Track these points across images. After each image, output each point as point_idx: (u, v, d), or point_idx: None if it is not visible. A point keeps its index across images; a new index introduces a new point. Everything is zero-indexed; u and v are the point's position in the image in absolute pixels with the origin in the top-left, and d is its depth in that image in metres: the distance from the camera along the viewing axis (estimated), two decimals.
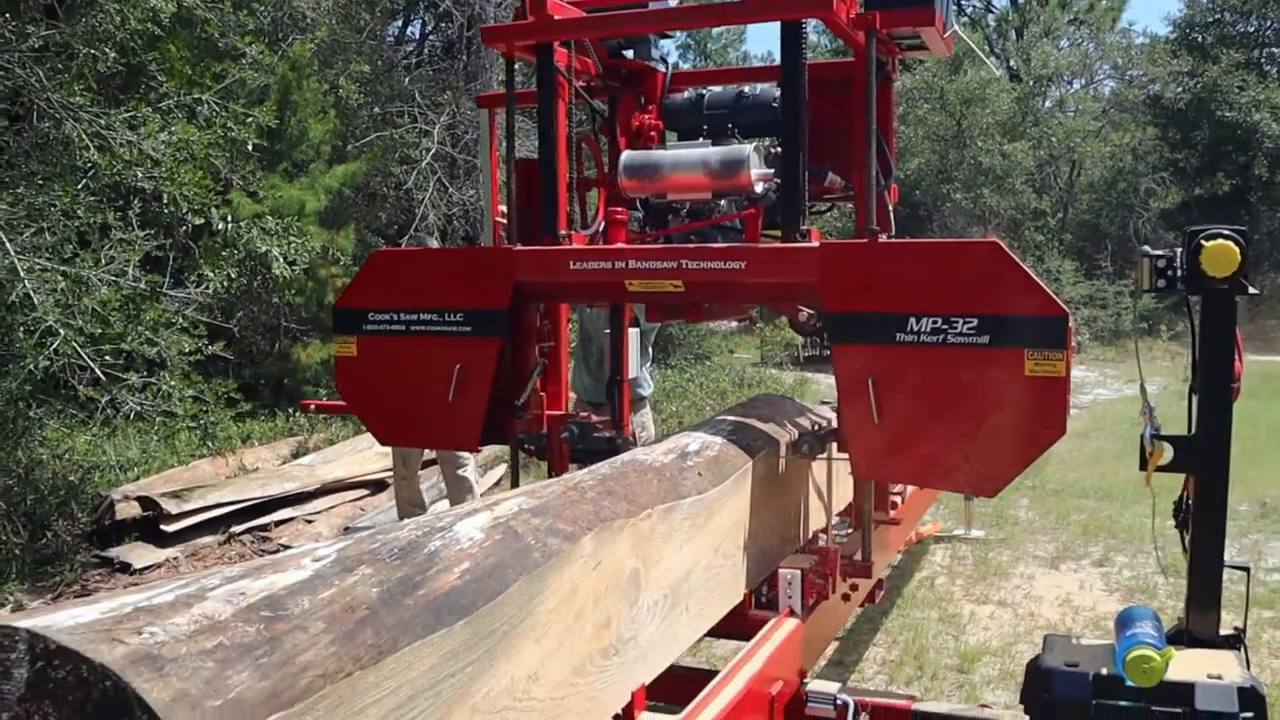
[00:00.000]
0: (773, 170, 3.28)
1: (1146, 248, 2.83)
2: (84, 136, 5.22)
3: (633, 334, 4.07)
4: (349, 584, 1.62)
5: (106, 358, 5.29)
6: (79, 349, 4.97)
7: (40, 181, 5.38)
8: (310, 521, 7.73)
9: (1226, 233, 2.62)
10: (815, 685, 2.85)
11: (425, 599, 1.70)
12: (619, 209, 3.49)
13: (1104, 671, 2.55)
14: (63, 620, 1.32)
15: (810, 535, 3.60)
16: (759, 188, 3.23)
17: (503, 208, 4.09)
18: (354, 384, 3.69)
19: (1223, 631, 2.83)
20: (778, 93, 3.48)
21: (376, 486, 8.55)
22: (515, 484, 3.78)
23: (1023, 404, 2.74)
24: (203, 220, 7.00)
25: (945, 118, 24.56)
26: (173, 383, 5.72)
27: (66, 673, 1.26)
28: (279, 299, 9.63)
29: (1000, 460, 2.83)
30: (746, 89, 3.70)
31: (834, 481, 3.71)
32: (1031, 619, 5.65)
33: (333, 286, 10.12)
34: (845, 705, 2.78)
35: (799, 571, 3.11)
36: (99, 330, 5.22)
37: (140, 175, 5.48)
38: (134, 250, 5.64)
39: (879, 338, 2.90)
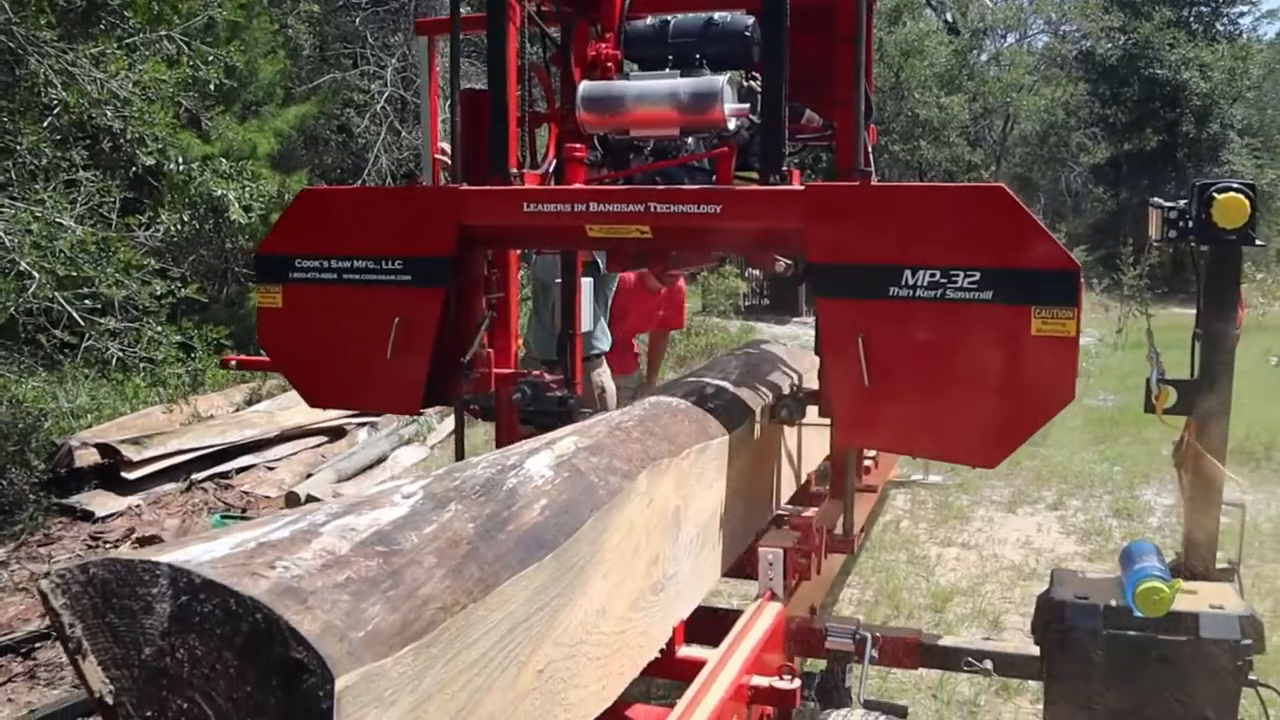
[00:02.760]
0: (748, 105, 2.97)
1: (1157, 199, 2.84)
2: (50, 73, 5.05)
3: (585, 284, 3.81)
4: (446, 519, 1.64)
5: (86, 301, 5.16)
6: (57, 294, 4.83)
7: (4, 119, 5.20)
8: (272, 468, 7.65)
9: (1236, 186, 2.69)
10: (834, 621, 2.93)
11: (515, 534, 1.73)
12: (577, 145, 3.11)
13: (1113, 603, 2.65)
14: (199, 555, 1.32)
15: (779, 505, 3.43)
16: (732, 124, 2.92)
17: (444, 145, 3.86)
18: (279, 339, 3.31)
19: (1219, 566, 2.97)
20: (750, 21, 3.19)
21: (335, 433, 8.49)
22: (460, 449, 3.49)
23: (1029, 366, 2.49)
24: (154, 162, 6.82)
25: (884, 69, 24.64)
26: (158, 328, 5.60)
27: (213, 606, 1.26)
28: (230, 244, 9.45)
29: (1003, 428, 2.57)
30: (716, 16, 3.32)
31: (804, 447, 3.58)
32: (996, 560, 5.81)
33: None
34: (864, 638, 2.86)
35: (781, 550, 2.84)
36: (71, 273, 5.08)
37: (110, 114, 5.31)
38: (111, 191, 5.47)
39: (870, 292, 2.61)
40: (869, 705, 2.76)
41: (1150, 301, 17.71)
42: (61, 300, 4.94)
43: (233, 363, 4.85)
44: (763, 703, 2.43)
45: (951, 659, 2.99)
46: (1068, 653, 2.65)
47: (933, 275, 2.55)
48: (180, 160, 7.03)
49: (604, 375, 5.31)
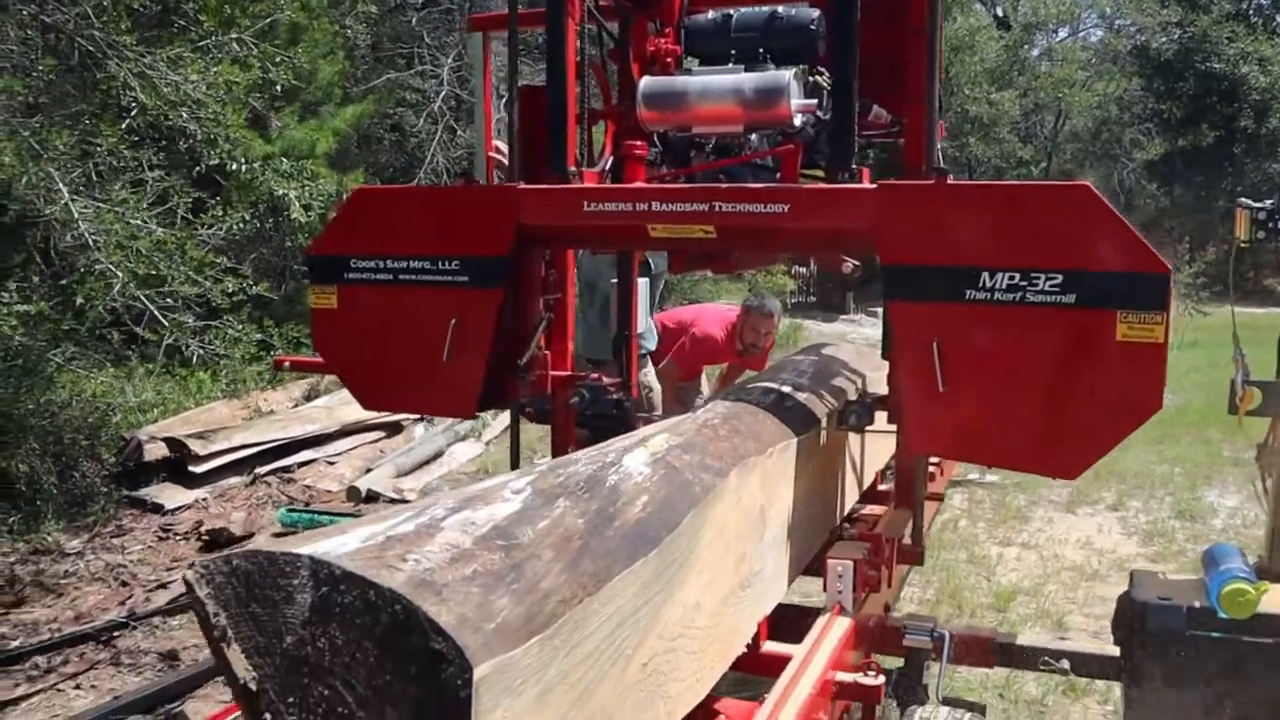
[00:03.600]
0: (814, 101, 2.88)
1: (1245, 199, 2.83)
2: (129, 76, 5.16)
3: (642, 284, 3.78)
4: (557, 515, 1.69)
5: (168, 300, 5.28)
6: (140, 295, 4.94)
7: (86, 121, 5.32)
8: (332, 463, 7.78)
9: None
10: (911, 619, 2.95)
11: (622, 530, 1.76)
12: (637, 143, 3.04)
13: (1197, 604, 2.66)
14: (336, 548, 1.37)
15: (844, 511, 3.36)
16: (798, 120, 2.83)
17: (498, 143, 3.82)
18: (333, 340, 3.26)
19: None
20: (815, 14, 3.06)
21: (393, 429, 8.61)
22: (516, 455, 3.42)
23: (1113, 374, 2.38)
24: (219, 161, 6.95)
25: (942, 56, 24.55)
26: (239, 325, 5.71)
27: (353, 597, 1.31)
28: (290, 242, 9.60)
29: (1084, 439, 2.47)
30: (780, 9, 3.21)
31: (867, 454, 3.51)
32: (1057, 560, 5.79)
33: None
34: (942, 636, 2.88)
35: (850, 563, 2.74)
36: (152, 272, 5.19)
37: (185, 116, 5.43)
38: (183, 193, 5.60)
39: (946, 294, 2.50)
40: (947, 702, 2.77)
41: (1206, 300, 17.49)
42: (144, 299, 5.06)
43: (286, 364, 4.81)
44: (848, 697, 2.46)
45: (1027, 658, 2.99)
46: (1151, 654, 2.65)
47: (1012, 278, 2.44)
48: (244, 160, 7.13)
49: (650, 375, 5.32)
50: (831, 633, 2.57)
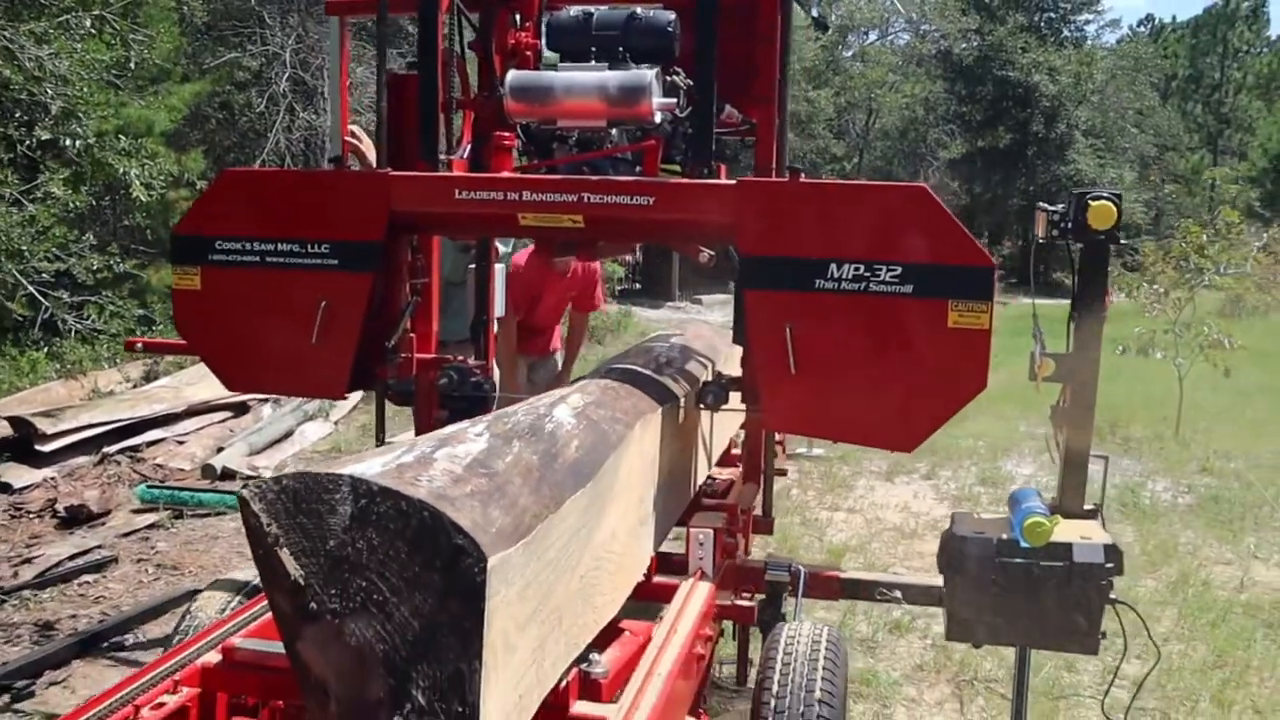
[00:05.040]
0: (673, 100, 3.03)
1: (1043, 204, 3.40)
2: None
3: (499, 270, 3.88)
4: (516, 452, 2.03)
5: (44, 276, 5.26)
6: (15, 272, 4.94)
7: None
8: (182, 442, 7.77)
9: (1107, 195, 3.26)
10: (772, 559, 3.40)
11: (565, 465, 2.13)
12: (506, 134, 3.13)
13: (1004, 536, 3.21)
14: (366, 470, 1.70)
15: (695, 487, 3.51)
16: (658, 117, 2.98)
17: (354, 128, 3.86)
18: (196, 321, 3.23)
19: (1085, 506, 3.55)
20: (672, 16, 3.20)
21: (239, 409, 8.63)
22: (381, 434, 3.47)
23: (944, 357, 2.65)
24: (50, 136, 6.89)
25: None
26: (119, 301, 5.71)
27: (387, 507, 1.64)
28: (130, 221, 9.44)
29: (920, 415, 2.74)
30: (639, 10, 3.30)
31: (714, 434, 3.70)
32: (879, 522, 6.43)
33: (180, 210, 9.93)
34: (798, 572, 3.34)
35: (711, 531, 2.97)
36: (18, 248, 5.18)
37: (50, 93, 5.41)
38: (55, 172, 5.57)
39: (798, 284, 2.72)
40: None
41: (1002, 291, 18.90)
42: (17, 274, 5.06)
43: (139, 346, 4.76)
44: (728, 617, 2.89)
45: (867, 590, 3.50)
46: (968, 579, 3.18)
47: (857, 269, 2.67)
48: (92, 136, 7.08)
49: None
50: (695, 595, 2.80)
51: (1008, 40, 27.69)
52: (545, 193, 2.92)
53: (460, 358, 3.47)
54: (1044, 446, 8.75)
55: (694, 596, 2.78)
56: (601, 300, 6.27)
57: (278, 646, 2.31)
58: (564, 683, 2.16)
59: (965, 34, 28.86)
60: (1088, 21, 31.16)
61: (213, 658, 2.36)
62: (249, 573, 3.14)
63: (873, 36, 31.44)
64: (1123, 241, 3.25)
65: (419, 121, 3.15)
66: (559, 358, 6.01)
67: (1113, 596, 3.18)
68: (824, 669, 2.62)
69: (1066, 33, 30.12)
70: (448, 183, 3.01)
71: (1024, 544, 3.13)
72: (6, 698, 3.97)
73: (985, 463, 8.03)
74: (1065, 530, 3.23)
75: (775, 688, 2.57)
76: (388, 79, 3.25)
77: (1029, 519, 3.13)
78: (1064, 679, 4.21)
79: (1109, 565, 3.13)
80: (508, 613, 1.72)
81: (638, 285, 23.56)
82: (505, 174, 3.09)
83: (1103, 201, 3.14)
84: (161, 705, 2.19)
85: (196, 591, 3.63)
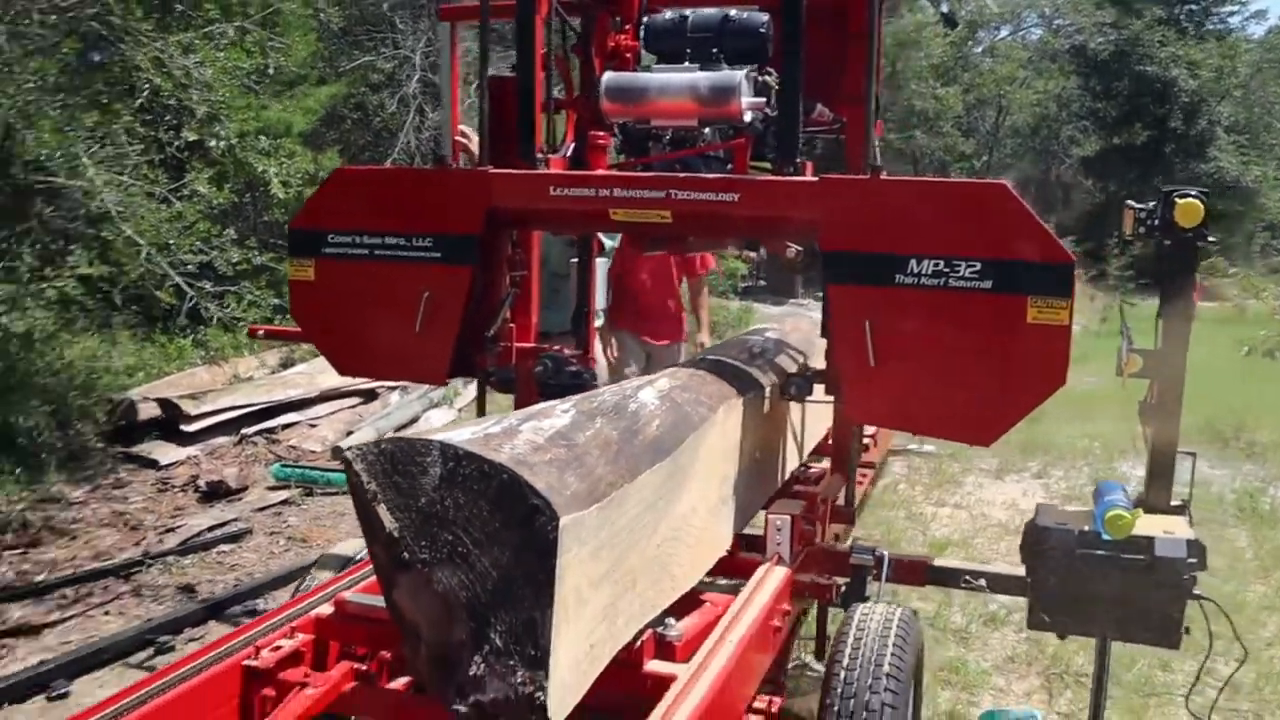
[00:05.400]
0: (763, 99, 3.12)
1: (1130, 201, 3.43)
2: (145, 61, 5.57)
3: (600, 264, 4.04)
4: (598, 427, 2.22)
5: (189, 268, 5.71)
6: (160, 260, 5.38)
7: (104, 102, 5.72)
8: (314, 426, 8.20)
9: (1193, 193, 3.26)
10: (857, 543, 3.52)
11: (644, 442, 2.31)
12: (600, 133, 3.26)
13: (1085, 528, 3.26)
14: (455, 437, 1.91)
15: (787, 478, 3.62)
16: (748, 116, 3.07)
17: (463, 128, 4.00)
18: (310, 310, 3.42)
19: (1173, 502, 3.56)
20: (765, 18, 3.28)
21: (368, 395, 9.04)
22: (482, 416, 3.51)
23: (1023, 352, 2.67)
24: (197, 138, 7.34)
25: (881, 59, 25.23)
26: (256, 291, 6.15)
27: (472, 469, 1.84)
28: (269, 216, 9.99)
29: (997, 410, 2.77)
30: (733, 12, 3.38)
31: (805, 425, 3.78)
32: (984, 518, 6.43)
33: None
34: (881, 556, 3.45)
35: (789, 517, 3.02)
36: (168, 242, 5.63)
37: (195, 99, 5.85)
38: (200, 172, 6.02)
39: (878, 279, 2.77)
40: None
41: (1134, 291, 18.37)
42: (166, 266, 5.50)
43: (260, 333, 5.07)
44: (809, 594, 3.03)
45: (952, 578, 3.57)
46: (1049, 568, 3.24)
47: (936, 265, 2.71)
48: (234, 138, 7.54)
49: (596, 348, 5.36)
50: (771, 575, 2.89)
51: (1145, 34, 26.77)
52: (635, 189, 3.02)
53: (558, 347, 3.61)
54: (1193, 465, 8.60)
55: (770, 576, 2.89)
56: (711, 260, 6.18)
57: (383, 601, 2.56)
58: (639, 642, 2.34)
59: (1100, 28, 28.02)
60: (1231, 13, 29.87)
61: (325, 609, 2.61)
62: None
63: (1004, 32, 30.84)
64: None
65: (517, 122, 3.28)
66: (683, 349, 5.97)
67: (1197, 592, 3.22)
68: (894, 646, 2.72)
69: (1209, 25, 28.94)
70: (543, 180, 3.15)
71: (1105, 536, 3.18)
72: (151, 650, 4.34)
73: (1100, 463, 7.92)
74: (1148, 524, 3.26)
75: (846, 660, 2.69)
76: (490, 82, 3.37)
77: (1110, 511, 3.18)
78: (1158, 677, 4.21)
79: (1191, 560, 3.15)
80: (580, 569, 1.90)
81: (762, 282, 23.63)
82: (598, 172, 3.20)
83: (1190, 199, 3.17)
84: (279, 648, 2.43)
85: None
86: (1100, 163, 27.91)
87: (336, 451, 7.47)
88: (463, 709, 1.86)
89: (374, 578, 2.82)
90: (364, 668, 2.56)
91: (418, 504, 1.88)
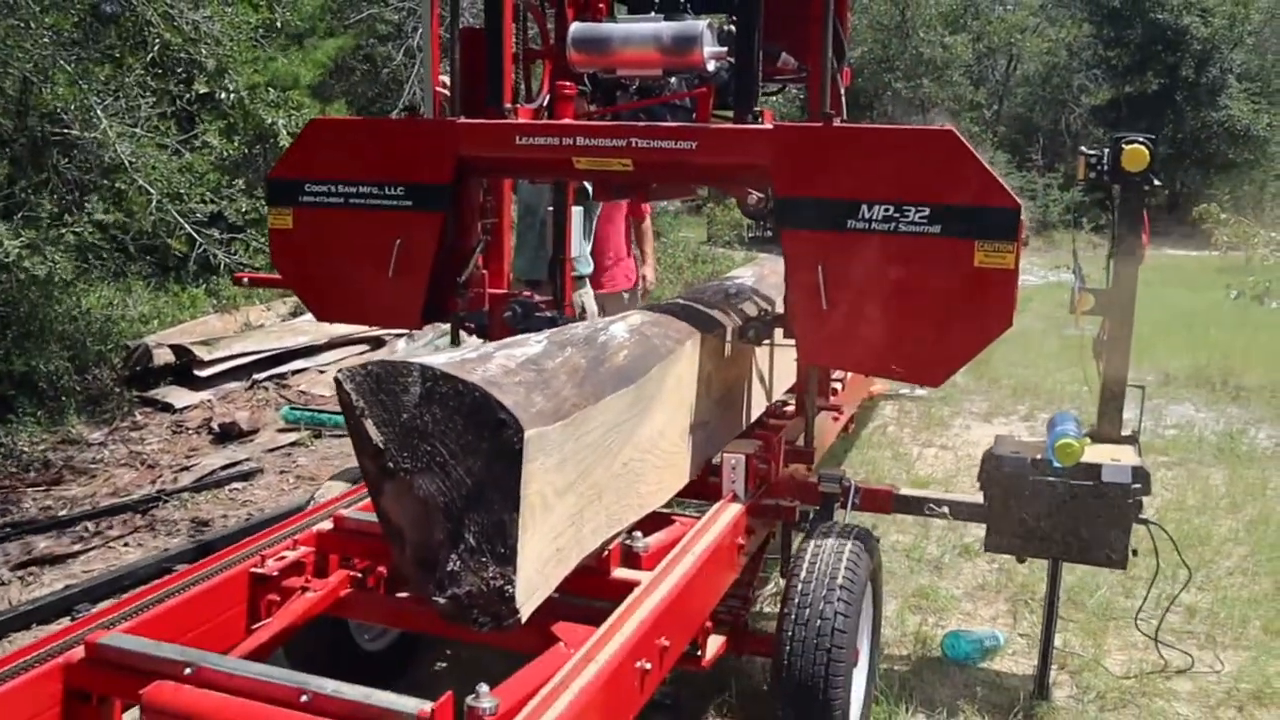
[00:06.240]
0: (726, 49, 3.18)
1: (1083, 148, 3.61)
2: (156, 15, 5.76)
3: (576, 212, 4.11)
4: (567, 355, 2.45)
5: (198, 216, 5.93)
6: (170, 208, 5.60)
7: (116, 55, 5.91)
8: (323, 372, 8.44)
9: (1140, 139, 3.45)
10: (825, 471, 3.73)
11: (610, 369, 2.53)
12: (567, 83, 3.34)
13: (1038, 457, 3.48)
14: (433, 360, 2.13)
15: (751, 421, 3.74)
16: (711, 66, 3.14)
17: (444, 78, 4.07)
18: (289, 258, 3.51)
19: (1124, 433, 3.77)
20: None
21: (375, 343, 9.27)
22: None
23: (971, 295, 2.75)
24: (208, 91, 7.52)
25: (889, 7, 25.11)
26: (261, 239, 6.36)
27: (448, 388, 2.07)
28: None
29: (946, 351, 2.87)
30: None
31: (776, 368, 3.88)
32: (969, 459, 6.62)
33: None
34: (849, 485, 3.66)
35: (743, 456, 3.14)
36: (178, 191, 5.84)
37: (205, 53, 6.04)
38: (210, 123, 6.22)
39: (830, 224, 2.86)
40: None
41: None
42: (176, 215, 5.72)
43: (245, 280, 5.17)
44: (773, 516, 3.26)
45: (916, 506, 3.79)
46: (1004, 492, 3.47)
47: (887, 210, 2.80)
48: (241, 90, 7.72)
49: (587, 296, 5.64)
50: (724, 513, 3.01)
51: None
52: (597, 138, 3.12)
53: (528, 293, 3.71)
54: (1151, 392, 8.77)
55: (725, 512, 3.03)
56: (646, 207, 6.30)
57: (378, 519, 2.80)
58: (606, 551, 2.58)
59: None
60: None
61: (326, 525, 2.86)
62: None
63: None
64: None
65: (487, 73, 3.38)
66: (634, 297, 6.13)
67: (1142, 516, 3.44)
68: (848, 559, 2.95)
69: None
70: (509, 129, 3.25)
71: (1056, 463, 3.40)
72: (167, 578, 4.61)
73: (1089, 407, 8.09)
74: (1097, 453, 3.48)
75: (803, 574, 2.92)
76: (462, 33, 3.48)
77: (1060, 440, 3.40)
78: (1118, 603, 4.44)
79: (1136, 486, 3.37)
80: (545, 478, 2.13)
81: (768, 232, 23.73)
82: (562, 121, 3.28)
83: (1136, 145, 3.35)
84: (283, 559, 2.68)
85: None
86: (1112, 111, 27.75)
87: (338, 383, 7.72)
88: (441, 601, 2.11)
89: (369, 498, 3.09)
90: (359, 576, 2.81)
91: (400, 419, 2.11)
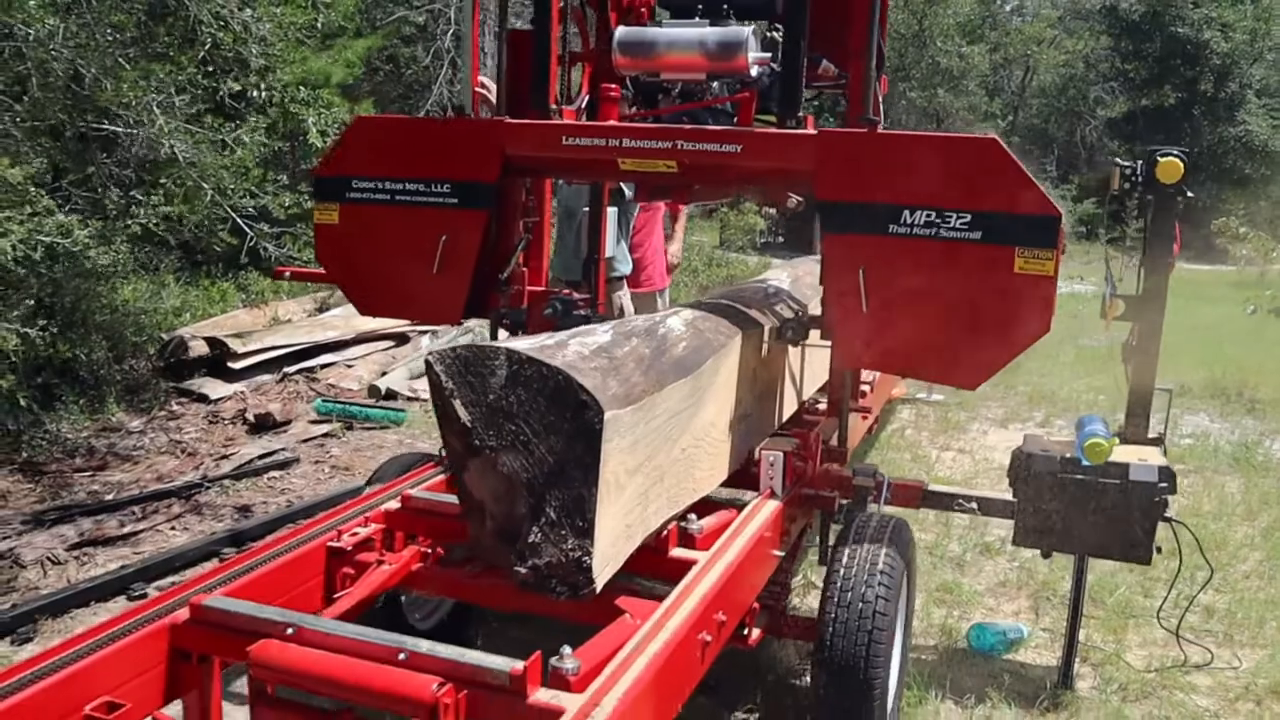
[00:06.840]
0: (769, 54, 3.25)
1: (1118, 159, 3.75)
2: (207, 14, 5.93)
3: (611, 213, 4.19)
4: (633, 345, 2.60)
5: (248, 210, 6.09)
6: (224, 206, 5.76)
7: (170, 54, 6.08)
8: (350, 366, 8.61)
9: (1175, 152, 3.59)
10: (859, 466, 3.87)
11: (671, 359, 2.68)
12: (612, 85, 3.38)
13: (1067, 455, 3.62)
14: (518, 345, 2.28)
15: (784, 418, 3.80)
16: (754, 71, 3.20)
17: (483, 79, 4.15)
18: (334, 253, 3.57)
19: (1150, 435, 3.91)
20: None
21: (400, 339, 9.43)
22: None
23: (1010, 301, 2.79)
24: (240, 89, 7.69)
25: (907, 16, 25.27)
26: (310, 232, 6.52)
27: (532, 372, 2.22)
28: (306, 165, 10.37)
29: (983, 355, 2.90)
30: None
31: (807, 368, 3.98)
32: (986, 462, 6.78)
33: None
34: (882, 480, 3.80)
35: (781, 454, 3.20)
36: (229, 187, 6.01)
37: (255, 52, 6.21)
38: (253, 123, 6.39)
39: (872, 228, 2.90)
40: None
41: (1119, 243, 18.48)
42: (228, 209, 5.89)
43: (287, 274, 5.29)
44: (812, 505, 3.40)
45: (945, 501, 3.93)
46: (1033, 489, 3.60)
47: (928, 215, 2.85)
48: (280, 89, 7.88)
49: (624, 297, 5.69)
50: (762, 511, 3.08)
51: None
52: (642, 140, 3.17)
53: (567, 291, 3.78)
54: (1169, 401, 8.89)
55: (763, 507, 3.12)
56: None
57: (444, 499, 2.96)
58: (665, 532, 2.72)
59: None
60: None
61: (394, 505, 3.01)
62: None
63: None
64: None
65: (532, 73, 3.46)
66: (661, 299, 6.19)
67: (1167, 515, 3.58)
68: (888, 548, 3.09)
69: None
70: (556, 130, 3.30)
71: (1085, 461, 3.54)
72: (215, 561, 4.76)
73: (1104, 414, 8.23)
74: (1125, 453, 3.62)
75: (845, 560, 3.06)
76: (509, 36, 3.52)
77: (1090, 440, 3.54)
78: (1138, 601, 4.57)
79: (1163, 485, 3.50)
80: (619, 458, 2.28)
81: (780, 238, 23.88)
82: (608, 123, 3.33)
83: (1171, 158, 3.49)
84: (356, 534, 2.83)
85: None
86: (1127, 124, 27.91)
87: (373, 390, 7.89)
88: (523, 570, 2.25)
89: (435, 479, 3.24)
90: (427, 552, 2.96)
91: (487, 400, 2.25)
